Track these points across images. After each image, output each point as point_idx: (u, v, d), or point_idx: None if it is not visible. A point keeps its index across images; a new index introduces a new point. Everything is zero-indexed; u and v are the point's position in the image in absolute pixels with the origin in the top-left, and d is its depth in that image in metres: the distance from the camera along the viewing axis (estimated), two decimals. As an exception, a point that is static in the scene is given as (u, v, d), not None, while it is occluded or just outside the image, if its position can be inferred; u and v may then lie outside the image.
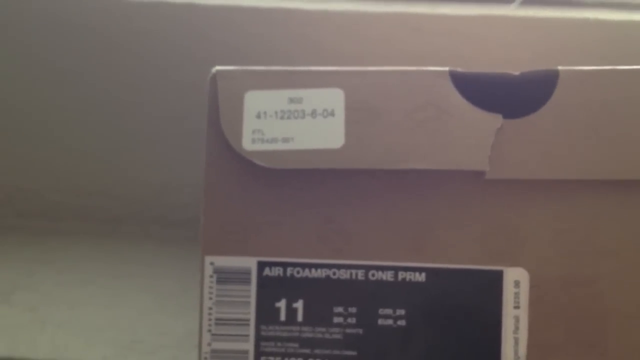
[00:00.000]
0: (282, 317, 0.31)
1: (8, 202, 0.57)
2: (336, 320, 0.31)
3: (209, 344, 0.31)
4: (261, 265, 0.31)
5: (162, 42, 0.53)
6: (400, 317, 0.31)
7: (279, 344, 0.31)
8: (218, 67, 0.31)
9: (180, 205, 0.56)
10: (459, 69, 0.31)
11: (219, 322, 0.31)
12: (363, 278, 0.31)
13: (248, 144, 0.30)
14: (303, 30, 0.52)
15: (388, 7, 0.52)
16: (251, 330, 0.31)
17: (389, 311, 0.31)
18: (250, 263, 0.31)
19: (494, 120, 0.30)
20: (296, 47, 0.52)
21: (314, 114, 0.31)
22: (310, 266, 0.31)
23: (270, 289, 0.31)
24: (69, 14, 0.53)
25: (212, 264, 0.31)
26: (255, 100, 0.31)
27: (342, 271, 0.31)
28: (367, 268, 0.31)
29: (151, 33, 0.53)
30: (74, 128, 0.56)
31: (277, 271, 0.31)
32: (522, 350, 0.30)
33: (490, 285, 0.31)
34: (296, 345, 0.31)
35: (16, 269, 0.53)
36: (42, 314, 0.49)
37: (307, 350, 0.31)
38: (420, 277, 0.31)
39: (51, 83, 0.55)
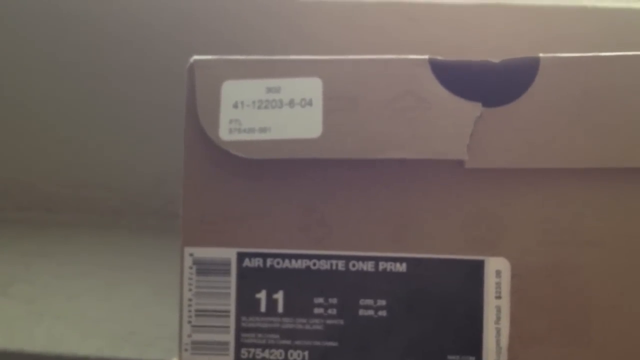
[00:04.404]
0: (263, 308, 0.31)
1: (6, 195, 0.58)
2: (317, 311, 0.31)
3: (189, 336, 0.31)
4: (241, 256, 0.31)
5: (159, 34, 0.53)
6: (381, 308, 0.31)
7: (259, 335, 0.31)
8: (196, 57, 0.31)
9: (178, 197, 0.56)
10: (439, 57, 0.30)
11: (199, 313, 0.31)
12: (343, 268, 0.31)
13: (225, 134, 0.30)
14: (298, 21, 0.52)
15: (383, -4, 0.51)
16: (232, 322, 0.31)
17: (369, 302, 0.31)
18: (230, 254, 0.31)
19: (474, 108, 0.30)
20: (291, 38, 0.52)
21: (291, 103, 0.30)
22: (290, 257, 0.31)
23: (251, 280, 0.31)
24: (65, 6, 0.53)
25: (191, 255, 0.31)
26: (232, 90, 0.30)
27: (323, 262, 0.31)
28: (348, 258, 0.31)
29: (149, 26, 0.53)
30: (72, 120, 0.56)
31: (257, 262, 0.31)
32: (504, 340, 0.30)
33: (471, 275, 0.30)
34: (277, 336, 0.31)
35: (14, 261, 0.54)
36: (39, 306, 0.49)
37: (287, 342, 0.31)
38: (401, 267, 0.31)
39: (49, 76, 0.56)
